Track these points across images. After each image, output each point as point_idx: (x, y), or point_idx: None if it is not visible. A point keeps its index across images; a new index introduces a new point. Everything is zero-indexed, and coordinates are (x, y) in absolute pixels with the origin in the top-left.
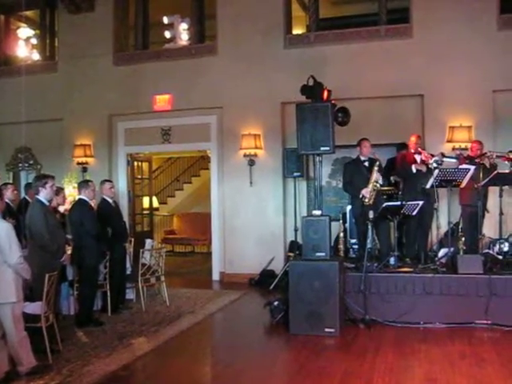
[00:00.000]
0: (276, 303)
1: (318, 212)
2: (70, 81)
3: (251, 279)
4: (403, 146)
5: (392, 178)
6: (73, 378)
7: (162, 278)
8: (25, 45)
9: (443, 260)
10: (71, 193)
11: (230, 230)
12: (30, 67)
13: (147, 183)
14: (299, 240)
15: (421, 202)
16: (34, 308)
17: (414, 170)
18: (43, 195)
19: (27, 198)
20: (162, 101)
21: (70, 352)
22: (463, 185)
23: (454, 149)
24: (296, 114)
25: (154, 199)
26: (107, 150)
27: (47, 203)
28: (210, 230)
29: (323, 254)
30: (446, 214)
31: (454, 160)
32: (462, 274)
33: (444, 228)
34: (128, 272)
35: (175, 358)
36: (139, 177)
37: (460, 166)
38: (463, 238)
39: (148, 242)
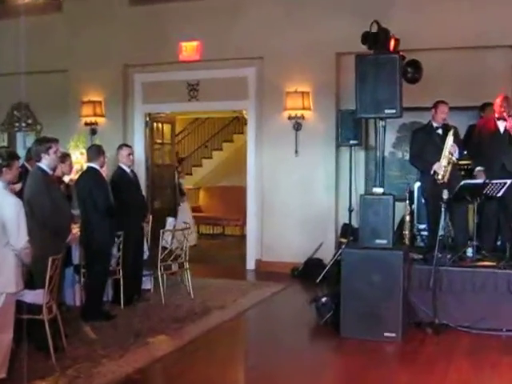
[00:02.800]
0: (324, 300)
1: (379, 190)
2: (76, 23)
3: (294, 269)
4: (486, 107)
5: None
6: (80, 380)
7: (186, 265)
8: None
9: None
10: (78, 160)
11: (269, 209)
12: (29, 6)
13: (169, 149)
14: (354, 223)
15: (509, 181)
16: (35, 297)
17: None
18: (46, 162)
19: (27, 165)
20: (189, 49)
21: (76, 350)
22: None
23: None
24: (355, 68)
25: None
26: (121, 109)
27: (50, 172)
28: (244, 208)
29: (384, 241)
30: None
31: None
32: None
33: None
34: (145, 257)
35: (200, 361)
36: (159, 141)
37: None
38: None
39: (169, 220)
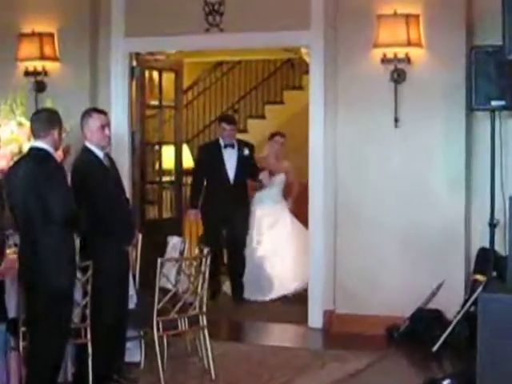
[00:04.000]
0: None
1: None
2: None
3: (392, 328)
4: None
5: None
6: None
7: (203, 321)
8: None
9: None
10: (14, 136)
11: (348, 222)
12: None
13: (171, 116)
14: (500, 247)
15: None
16: None
17: None
18: None
19: None
20: None
21: None
22: None
23: None
24: None
25: (186, 150)
26: (88, 47)
27: None
28: (302, 218)
29: None
30: None
31: None
32: None
33: None
34: (131, 306)
35: None
36: (155, 103)
37: None
38: None
39: (173, 241)
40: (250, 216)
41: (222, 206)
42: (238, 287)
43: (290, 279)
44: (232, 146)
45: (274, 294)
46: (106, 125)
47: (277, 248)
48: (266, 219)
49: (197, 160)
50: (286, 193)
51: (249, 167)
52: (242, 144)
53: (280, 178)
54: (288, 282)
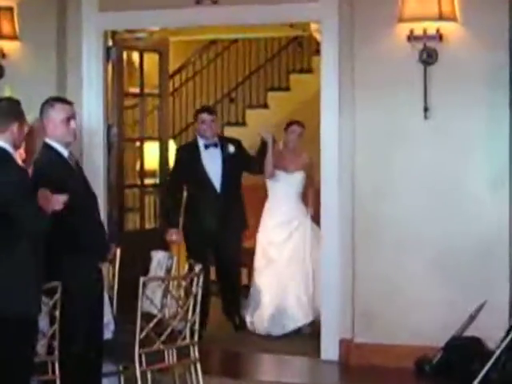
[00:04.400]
0: None
1: None
2: None
3: (422, 360)
4: None
5: None
6: None
7: (194, 354)
8: None
9: None
10: None
11: (368, 228)
12: None
13: (155, 106)
14: None
15: None
16: None
17: None
18: None
19: None
20: None
21: None
22: None
23: None
24: None
25: (173, 148)
26: (54, 24)
27: None
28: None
29: None
30: None
31: None
32: None
33: None
34: (108, 334)
35: None
36: (135, 91)
37: None
38: None
39: (158, 256)
40: (259, 228)
41: (207, 224)
42: (233, 317)
43: (307, 309)
44: (214, 145)
45: (288, 327)
46: (72, 117)
47: (293, 269)
48: (280, 232)
49: (174, 165)
50: (306, 196)
51: (241, 163)
52: (225, 141)
53: (298, 177)
54: (305, 312)
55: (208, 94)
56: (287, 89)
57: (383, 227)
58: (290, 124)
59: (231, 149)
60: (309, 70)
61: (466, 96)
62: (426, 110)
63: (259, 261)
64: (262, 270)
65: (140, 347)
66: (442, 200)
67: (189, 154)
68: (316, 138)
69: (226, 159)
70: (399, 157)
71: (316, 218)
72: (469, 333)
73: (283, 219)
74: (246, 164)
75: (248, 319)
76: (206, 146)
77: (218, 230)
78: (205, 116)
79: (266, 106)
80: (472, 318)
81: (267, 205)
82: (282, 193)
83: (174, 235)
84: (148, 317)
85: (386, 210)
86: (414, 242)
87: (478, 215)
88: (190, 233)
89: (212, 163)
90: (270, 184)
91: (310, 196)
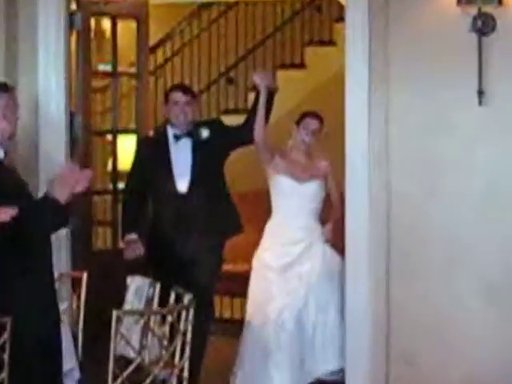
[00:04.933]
0: None
1: None
2: None
3: None
4: None
5: None
6: None
7: None
8: None
9: None
10: None
11: (408, 250)
12: None
13: (131, 88)
14: None
15: None
16: None
17: None
18: None
19: None
20: None
21: None
22: None
23: None
24: None
25: None
26: None
27: None
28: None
29: None
30: None
31: None
32: None
33: None
34: None
35: None
36: (106, 69)
37: None
38: None
39: (136, 283)
40: (256, 253)
41: (171, 238)
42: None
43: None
44: (188, 134)
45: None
46: (10, 107)
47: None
48: (290, 265)
49: (132, 164)
50: (325, 213)
51: (220, 148)
52: (199, 126)
53: (315, 187)
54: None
55: (200, 73)
56: (302, 66)
57: (426, 243)
58: (303, 116)
59: (204, 133)
60: (330, 43)
61: None
62: (480, 93)
63: (254, 300)
64: (257, 313)
65: None
66: (500, 207)
67: (152, 149)
68: (338, 131)
69: (198, 148)
70: (446, 153)
71: (335, 242)
72: None
73: (293, 251)
74: (233, 139)
75: None
76: (177, 137)
77: (186, 245)
78: (178, 96)
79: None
80: None
81: (270, 224)
82: (290, 209)
83: (131, 245)
84: (123, 361)
85: (431, 225)
86: (465, 261)
87: None
88: (150, 249)
89: (183, 159)
90: (275, 196)
91: (336, 209)
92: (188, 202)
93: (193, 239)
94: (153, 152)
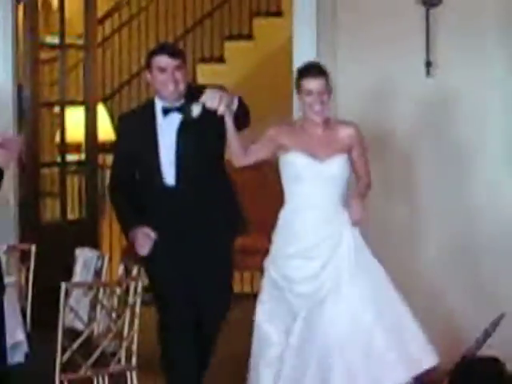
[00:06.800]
0: None
1: None
2: None
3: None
4: None
5: None
6: None
7: (132, 380)
8: None
9: None
10: None
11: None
12: None
13: (80, 60)
14: None
15: None
16: None
17: None
18: None
19: None
20: None
21: None
22: None
23: None
24: None
25: (103, 114)
26: None
27: None
28: None
29: None
30: None
31: None
32: None
33: None
34: (19, 357)
35: None
36: (53, 41)
37: None
38: None
39: (84, 256)
40: (269, 256)
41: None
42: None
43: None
44: (179, 109)
45: None
46: None
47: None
48: (305, 263)
49: (114, 145)
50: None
51: (216, 129)
52: (191, 101)
53: (336, 165)
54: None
55: (148, 44)
56: (249, 37)
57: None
58: (301, 74)
59: (195, 110)
60: (278, 13)
61: (481, 47)
62: (428, 64)
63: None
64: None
65: (61, 373)
66: (451, 183)
67: (137, 126)
68: (285, 103)
69: (184, 129)
70: (393, 122)
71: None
72: (483, 352)
73: (318, 245)
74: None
75: None
76: (166, 111)
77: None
78: (164, 60)
79: (221, 59)
80: (487, 334)
81: (283, 214)
82: (309, 196)
83: (141, 237)
84: (72, 334)
85: (385, 196)
86: (424, 240)
87: (494, 200)
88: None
89: (169, 142)
90: (286, 181)
91: (365, 184)
92: (177, 196)
93: (191, 255)
94: (136, 133)
